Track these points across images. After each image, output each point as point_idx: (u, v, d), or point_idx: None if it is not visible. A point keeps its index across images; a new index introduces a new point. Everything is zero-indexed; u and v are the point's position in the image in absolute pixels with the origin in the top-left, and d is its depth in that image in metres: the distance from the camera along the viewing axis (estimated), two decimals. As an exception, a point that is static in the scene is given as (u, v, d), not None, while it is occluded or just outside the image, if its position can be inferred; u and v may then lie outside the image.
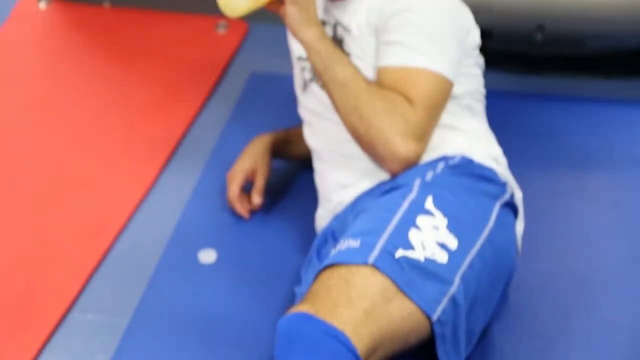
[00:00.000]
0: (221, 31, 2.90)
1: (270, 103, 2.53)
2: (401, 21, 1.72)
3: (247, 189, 2.10)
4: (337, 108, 1.73)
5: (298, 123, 2.05)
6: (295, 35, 1.73)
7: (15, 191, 2.23)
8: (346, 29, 1.82)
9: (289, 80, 2.09)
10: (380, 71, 1.73)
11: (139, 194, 2.20)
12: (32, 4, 3.03)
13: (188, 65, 2.74)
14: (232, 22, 2.90)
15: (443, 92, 1.71)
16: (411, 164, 1.69)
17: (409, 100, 1.67)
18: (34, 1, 3.04)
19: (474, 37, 1.83)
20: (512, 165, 1.84)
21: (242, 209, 2.08)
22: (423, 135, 1.68)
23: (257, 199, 2.06)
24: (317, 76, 1.75)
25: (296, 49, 1.94)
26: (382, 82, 1.72)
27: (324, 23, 1.86)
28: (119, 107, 2.54)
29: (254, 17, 2.91)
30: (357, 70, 1.72)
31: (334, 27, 1.85)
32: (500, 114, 2.05)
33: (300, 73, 1.93)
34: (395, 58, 1.71)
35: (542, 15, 2.48)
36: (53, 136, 2.43)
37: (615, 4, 2.46)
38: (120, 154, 2.35)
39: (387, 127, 1.65)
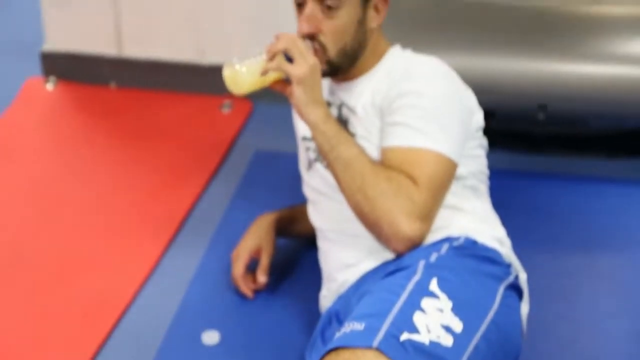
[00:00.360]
0: (226, 110, 2.94)
1: (274, 181, 2.54)
2: (406, 103, 1.74)
3: (251, 267, 2.09)
4: (342, 188, 1.73)
5: (302, 201, 2.05)
6: (301, 115, 1.74)
7: (19, 271, 2.22)
8: (351, 110, 1.84)
9: (293, 158, 2.11)
10: (385, 151, 1.75)
11: (142, 274, 2.20)
12: (40, 85, 3.08)
13: (193, 145, 2.76)
14: (236, 102, 2.94)
15: (447, 173, 1.72)
16: (416, 244, 1.69)
17: (413, 180, 1.68)
18: (41, 82, 3.09)
19: (478, 119, 1.85)
20: (516, 246, 1.83)
21: (246, 288, 2.07)
22: (427, 216, 1.68)
23: (262, 278, 2.06)
24: (322, 156, 1.76)
25: (301, 128, 1.96)
26: (387, 163, 1.73)
27: (329, 104, 1.88)
28: (124, 187, 2.55)
29: (258, 96, 2.96)
30: (362, 151, 1.73)
31: (339, 107, 1.87)
32: (503, 193, 2.05)
33: (305, 152, 1.95)
34: (401, 139, 1.72)
35: (543, 95, 2.50)
36: (58, 216, 2.43)
37: (616, 85, 2.48)
38: (124, 234, 2.36)
39: (391, 207, 1.66)
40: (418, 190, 1.67)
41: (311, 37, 1.77)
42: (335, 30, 1.77)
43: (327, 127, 1.72)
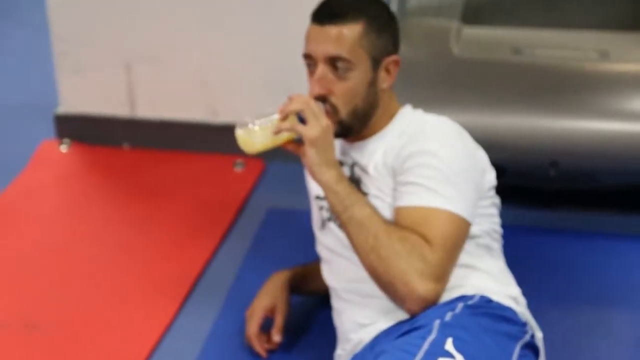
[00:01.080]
0: (238, 169, 2.96)
1: (287, 239, 2.55)
2: (419, 163, 1.75)
3: (266, 326, 2.08)
4: (355, 248, 1.73)
5: (316, 258, 2.05)
6: (313, 176, 1.75)
7: (33, 334, 2.21)
8: (363, 170, 1.85)
9: (305, 216, 2.11)
10: (398, 211, 1.75)
11: (155, 335, 2.19)
12: (54, 147, 3.10)
13: (206, 203, 2.77)
14: (249, 160, 2.96)
15: (461, 232, 1.72)
16: (430, 304, 1.68)
17: (427, 240, 1.68)
18: (56, 144, 3.12)
19: (490, 178, 1.85)
20: (531, 303, 1.83)
21: (260, 347, 2.07)
22: (441, 276, 1.68)
23: (276, 337, 2.05)
24: (336, 216, 1.76)
25: (314, 187, 1.96)
26: (400, 222, 1.73)
27: (341, 163, 1.90)
28: (137, 247, 2.56)
29: (270, 155, 2.97)
30: (375, 211, 1.73)
31: (352, 167, 1.88)
32: (516, 249, 2.05)
33: (318, 212, 1.95)
34: (413, 199, 1.73)
35: (554, 152, 2.51)
36: (71, 278, 2.43)
37: (627, 141, 2.49)
38: (137, 295, 2.35)
39: (405, 267, 1.66)
40: (431, 250, 1.67)
41: (322, 98, 1.79)
42: (346, 92, 1.79)
43: (340, 188, 1.73)
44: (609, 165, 2.51)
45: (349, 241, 1.75)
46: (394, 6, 3.08)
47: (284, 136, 1.77)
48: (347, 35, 1.77)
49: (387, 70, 1.83)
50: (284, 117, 1.74)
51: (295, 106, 1.73)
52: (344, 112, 1.80)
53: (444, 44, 2.81)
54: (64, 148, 3.11)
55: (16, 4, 4.46)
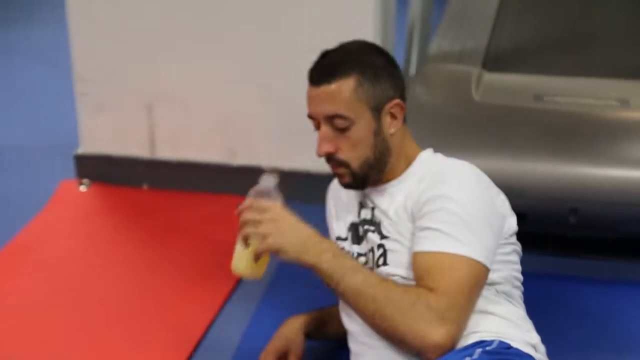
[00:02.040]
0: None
1: (303, 282, 2.51)
2: (436, 208, 1.74)
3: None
4: (359, 315, 1.73)
5: (331, 304, 2.04)
6: (298, 263, 1.75)
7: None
8: (384, 213, 1.85)
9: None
10: (415, 257, 1.74)
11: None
12: (73, 187, 3.12)
13: (223, 245, 2.73)
14: (267, 203, 2.95)
15: (477, 276, 1.71)
16: (447, 349, 1.66)
17: (434, 287, 1.66)
18: (75, 184, 3.13)
19: (511, 224, 1.84)
20: (551, 351, 1.80)
21: (274, 391, 2.04)
22: (452, 319, 1.65)
23: (290, 381, 2.03)
24: (331, 289, 1.75)
25: (335, 228, 1.98)
26: (417, 267, 1.72)
27: (362, 205, 1.89)
28: (154, 288, 2.55)
29: (289, 195, 2.97)
30: (368, 274, 1.72)
31: (372, 210, 1.88)
32: (536, 296, 2.03)
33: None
34: (429, 244, 1.72)
35: (574, 199, 2.50)
36: (86, 318, 2.42)
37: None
38: (152, 337, 2.34)
39: (411, 320, 1.64)
40: (435, 296, 1.65)
41: (331, 156, 1.81)
42: (352, 147, 1.80)
43: (326, 265, 1.72)
44: (629, 213, 2.49)
45: (351, 309, 1.74)
46: (414, 53, 3.10)
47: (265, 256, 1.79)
48: (341, 92, 1.77)
49: (392, 116, 1.83)
50: (245, 241, 1.78)
51: (243, 233, 1.78)
52: (355, 165, 1.81)
53: (465, 90, 2.82)
54: (83, 188, 3.12)
55: (40, 45, 4.52)
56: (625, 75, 2.93)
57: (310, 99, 1.82)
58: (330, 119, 1.79)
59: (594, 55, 3.10)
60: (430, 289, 1.66)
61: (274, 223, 1.74)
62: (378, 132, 1.81)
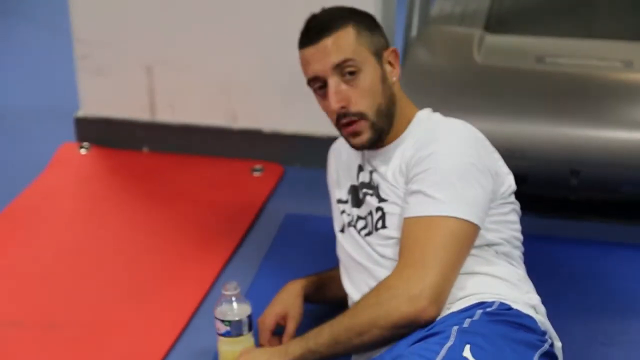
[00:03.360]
0: (257, 174, 2.95)
1: (304, 245, 2.53)
2: (423, 169, 1.75)
3: (280, 334, 2.07)
4: (354, 351, 1.76)
5: (332, 265, 2.04)
6: None
7: (51, 334, 2.21)
8: (382, 177, 1.85)
9: (323, 222, 2.10)
10: (404, 223, 1.75)
11: (172, 335, 2.19)
12: (73, 150, 3.11)
13: (224, 208, 2.76)
14: (267, 165, 2.96)
15: (462, 235, 1.70)
16: (439, 309, 1.67)
17: (408, 259, 1.69)
18: (75, 147, 3.12)
19: (509, 183, 1.83)
20: (550, 312, 1.80)
21: (273, 354, 2.05)
22: (423, 278, 1.66)
23: (287, 344, 2.04)
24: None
25: (336, 191, 1.98)
26: (405, 234, 1.73)
27: (361, 168, 1.89)
28: (154, 250, 2.56)
29: (288, 160, 2.98)
30: (329, 323, 1.75)
31: (370, 173, 1.87)
32: (536, 258, 2.02)
33: (339, 215, 1.95)
34: (413, 209, 1.73)
35: (576, 161, 2.49)
36: (88, 278, 2.43)
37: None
38: (155, 296, 2.35)
39: (387, 311, 1.66)
40: (398, 275, 1.69)
41: (344, 113, 1.79)
42: (365, 94, 1.78)
43: (305, 353, 1.75)
44: (631, 174, 2.49)
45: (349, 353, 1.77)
46: (416, 14, 3.08)
47: None
48: (344, 38, 1.78)
49: (390, 64, 1.85)
50: None
51: None
52: (371, 114, 1.80)
53: (467, 52, 2.80)
54: (83, 151, 3.11)
55: (37, 7, 4.48)
56: (628, 37, 2.90)
57: (311, 58, 1.80)
58: (339, 66, 1.77)
59: (597, 17, 3.07)
60: (395, 270, 1.70)
61: None
62: (384, 78, 1.82)
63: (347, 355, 1.80)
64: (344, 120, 1.80)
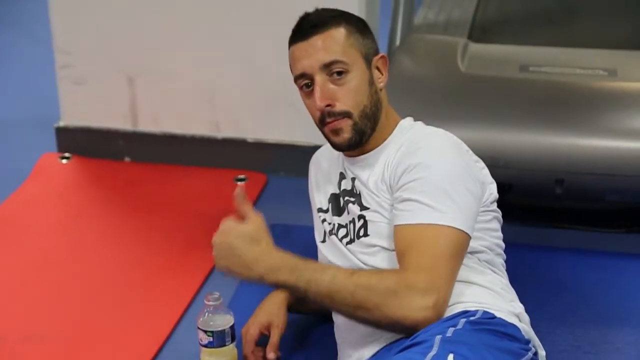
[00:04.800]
0: (240, 183, 2.93)
1: (288, 255, 2.51)
2: (413, 178, 1.72)
3: (264, 344, 2.05)
4: (341, 314, 1.69)
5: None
6: (252, 282, 1.70)
7: (31, 346, 2.18)
8: (364, 184, 1.83)
9: (306, 231, 2.08)
10: (395, 230, 1.73)
11: (154, 348, 2.17)
12: (54, 160, 3.09)
13: (207, 217, 2.73)
14: (250, 175, 2.95)
15: (459, 246, 1.69)
16: (439, 318, 1.64)
17: (418, 262, 1.64)
18: (56, 157, 3.10)
19: (492, 191, 1.83)
20: (535, 320, 1.79)
21: (257, 365, 2.03)
22: (438, 291, 1.63)
23: (271, 354, 2.01)
24: (304, 298, 1.70)
25: (316, 200, 1.96)
26: (398, 242, 1.71)
27: (343, 176, 1.88)
28: (137, 260, 2.54)
29: (272, 169, 2.97)
30: (335, 271, 1.67)
31: (352, 180, 1.86)
32: (520, 267, 2.02)
33: (320, 224, 1.94)
34: (409, 216, 1.70)
35: (560, 170, 2.49)
36: (70, 291, 2.41)
37: (634, 159, 2.46)
38: (137, 308, 2.33)
39: (398, 304, 1.61)
40: (415, 274, 1.63)
41: (329, 112, 1.78)
42: (351, 95, 1.77)
43: (283, 277, 1.66)
44: (615, 183, 2.49)
45: (331, 310, 1.71)
46: (400, 23, 3.08)
47: None
48: (335, 38, 1.78)
49: (379, 70, 1.84)
50: None
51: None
52: (355, 114, 1.79)
53: (451, 60, 2.79)
54: (64, 161, 3.09)
55: (19, 15, 4.47)
56: (612, 45, 2.91)
57: (301, 55, 1.78)
58: (327, 66, 1.76)
59: (580, 25, 3.09)
60: (409, 268, 1.64)
61: (222, 246, 1.73)
62: (371, 82, 1.81)
63: (325, 308, 1.72)
64: (328, 119, 1.79)
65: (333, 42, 1.77)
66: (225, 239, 1.73)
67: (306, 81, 1.79)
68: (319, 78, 1.77)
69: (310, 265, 1.69)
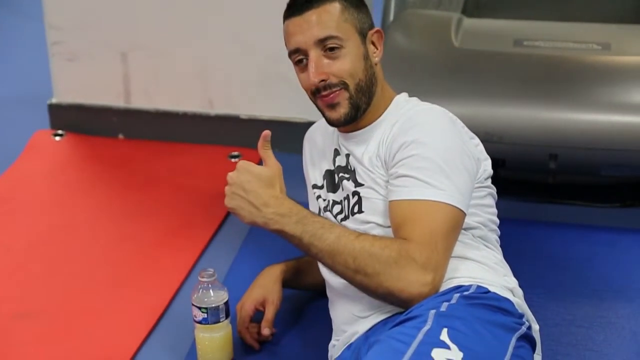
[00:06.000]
0: (234, 160, 2.93)
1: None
2: (409, 154, 1.72)
3: (259, 319, 2.05)
4: (339, 275, 1.68)
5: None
6: (256, 226, 1.69)
7: (26, 322, 2.19)
8: (358, 161, 1.83)
9: (301, 209, 2.07)
10: (391, 206, 1.72)
11: (149, 324, 2.17)
12: (47, 137, 3.08)
13: (201, 194, 2.74)
14: (245, 151, 2.94)
15: (455, 222, 1.69)
16: (433, 294, 1.65)
17: (415, 237, 1.64)
18: (49, 134, 3.09)
19: (486, 167, 1.82)
20: (528, 295, 1.80)
21: (251, 339, 2.04)
22: (436, 267, 1.64)
23: (266, 330, 2.02)
24: (305, 252, 1.70)
25: (311, 176, 1.95)
26: (394, 217, 1.70)
27: (337, 152, 1.88)
28: (131, 237, 2.54)
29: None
30: (341, 230, 1.66)
31: (347, 156, 1.86)
32: (514, 242, 2.03)
33: (315, 200, 1.93)
34: (405, 192, 1.70)
35: (554, 144, 2.48)
36: (65, 267, 2.41)
37: (628, 133, 2.46)
38: (131, 285, 2.33)
39: (397, 275, 1.61)
40: (415, 247, 1.62)
41: (324, 85, 1.77)
42: (345, 70, 1.77)
43: (289, 227, 1.66)
44: (609, 158, 2.48)
45: (329, 270, 1.70)
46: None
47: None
48: (330, 13, 1.77)
49: (374, 44, 1.83)
50: None
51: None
52: (351, 86, 1.78)
53: (445, 35, 2.78)
54: (57, 138, 3.08)
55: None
56: (606, 19, 2.90)
57: (295, 30, 1.78)
58: (321, 42, 1.75)
59: (574, 0, 3.07)
60: (409, 240, 1.63)
61: (236, 183, 1.70)
62: (366, 56, 1.80)
63: (325, 265, 1.71)
64: (325, 92, 1.78)
65: (328, 17, 1.76)
66: (240, 177, 1.70)
67: (300, 56, 1.78)
68: (313, 53, 1.76)
69: (318, 220, 1.68)
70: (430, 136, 1.73)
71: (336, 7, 1.77)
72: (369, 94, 1.80)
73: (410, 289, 1.62)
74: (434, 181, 1.68)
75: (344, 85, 1.77)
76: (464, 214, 1.71)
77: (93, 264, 2.42)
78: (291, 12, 1.79)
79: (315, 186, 1.94)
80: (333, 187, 1.89)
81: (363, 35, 1.80)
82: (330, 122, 1.83)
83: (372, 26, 1.84)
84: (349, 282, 1.68)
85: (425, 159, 1.70)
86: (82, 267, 2.40)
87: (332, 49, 1.76)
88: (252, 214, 1.68)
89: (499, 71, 2.64)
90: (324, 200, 1.90)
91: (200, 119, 3.05)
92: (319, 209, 1.91)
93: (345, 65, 1.76)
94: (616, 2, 3.05)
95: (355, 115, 1.80)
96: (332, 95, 1.78)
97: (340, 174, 1.87)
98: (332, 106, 1.79)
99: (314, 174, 1.95)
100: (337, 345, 1.84)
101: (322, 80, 1.76)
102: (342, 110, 1.79)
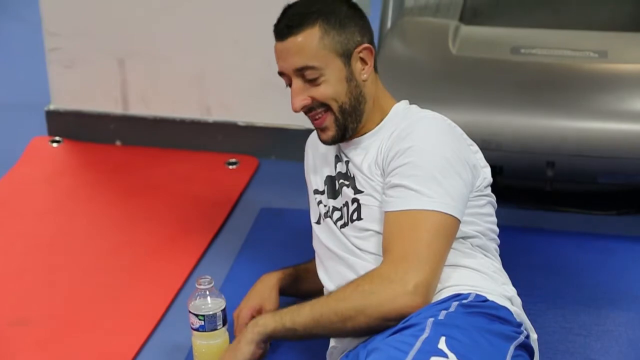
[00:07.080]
0: (232, 167, 2.93)
1: (279, 238, 2.52)
2: (402, 162, 1.73)
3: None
4: (335, 336, 1.74)
5: (308, 258, 2.03)
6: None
7: (23, 330, 2.18)
8: (358, 168, 1.83)
9: (298, 215, 2.08)
10: (386, 217, 1.73)
11: (145, 332, 2.17)
12: (44, 144, 3.08)
13: (199, 201, 2.74)
14: (242, 158, 2.94)
15: (445, 229, 1.69)
16: (424, 303, 1.65)
17: (397, 253, 1.66)
18: (46, 141, 3.09)
19: (486, 175, 1.82)
20: (526, 303, 1.80)
21: (249, 348, 2.04)
22: (418, 275, 1.64)
23: (263, 338, 2.02)
24: (298, 339, 1.78)
25: (312, 181, 1.96)
26: (383, 233, 1.72)
27: (338, 159, 1.88)
28: (128, 244, 2.53)
29: (263, 153, 2.97)
30: (309, 303, 1.73)
31: (347, 163, 1.86)
32: (512, 250, 2.02)
33: (315, 206, 1.94)
34: (396, 203, 1.71)
35: (551, 152, 2.49)
36: (62, 275, 2.41)
37: (625, 141, 2.47)
38: (128, 292, 2.33)
39: (377, 301, 1.64)
40: (392, 266, 1.65)
41: (309, 108, 1.80)
42: (327, 94, 1.79)
43: (273, 323, 1.75)
44: (607, 165, 2.49)
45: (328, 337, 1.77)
46: (391, 5, 3.06)
47: None
48: (306, 43, 1.77)
49: (362, 61, 1.82)
50: None
51: None
52: (335, 108, 1.80)
53: (442, 43, 2.78)
54: (55, 144, 3.08)
55: (8, -1, 4.44)
56: (602, 27, 2.90)
57: (278, 54, 1.80)
58: (300, 71, 1.77)
59: (571, 7, 3.07)
60: (388, 259, 1.67)
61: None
62: (350, 78, 1.80)
63: (322, 338, 1.78)
64: (311, 114, 1.82)
65: (305, 46, 1.76)
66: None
67: (285, 78, 1.82)
68: (294, 82, 1.79)
69: (288, 308, 1.76)
70: (424, 143, 1.73)
71: (314, 34, 1.77)
72: (355, 114, 1.81)
73: (395, 305, 1.64)
74: (425, 189, 1.69)
75: (328, 108, 1.80)
76: (458, 221, 1.71)
77: (90, 270, 2.41)
78: (276, 34, 1.81)
79: (316, 191, 1.94)
80: (333, 193, 1.89)
81: (347, 56, 1.79)
82: (323, 143, 1.86)
83: (361, 41, 1.81)
84: (348, 335, 1.72)
85: (417, 166, 1.71)
86: (78, 275, 2.40)
87: (310, 78, 1.77)
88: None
89: (496, 79, 2.65)
90: (325, 206, 1.90)
91: (197, 126, 3.04)
92: (320, 214, 1.92)
93: (327, 90, 1.78)
94: (613, 10, 3.06)
95: (344, 135, 1.83)
96: (319, 120, 1.81)
97: (341, 181, 1.87)
98: (321, 129, 1.83)
99: (316, 179, 1.96)
100: (334, 352, 1.84)
101: (305, 106, 1.79)
102: (330, 133, 1.82)
